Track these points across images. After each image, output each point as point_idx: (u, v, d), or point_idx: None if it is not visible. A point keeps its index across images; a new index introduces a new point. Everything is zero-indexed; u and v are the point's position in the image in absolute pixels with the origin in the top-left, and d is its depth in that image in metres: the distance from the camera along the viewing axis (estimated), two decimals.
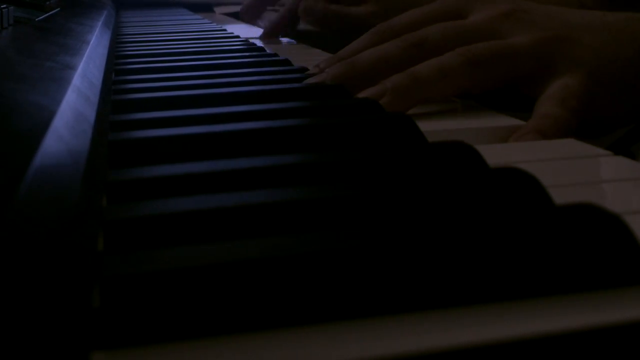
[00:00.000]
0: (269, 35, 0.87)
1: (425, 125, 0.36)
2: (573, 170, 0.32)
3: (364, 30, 0.53)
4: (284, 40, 0.88)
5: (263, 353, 0.17)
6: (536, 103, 0.42)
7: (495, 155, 0.31)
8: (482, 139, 0.39)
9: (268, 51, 0.68)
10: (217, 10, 1.50)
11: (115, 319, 0.17)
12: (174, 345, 0.17)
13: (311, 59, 0.60)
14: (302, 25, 0.90)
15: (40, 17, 0.65)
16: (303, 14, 0.83)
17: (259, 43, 0.79)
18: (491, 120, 0.42)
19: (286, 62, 0.59)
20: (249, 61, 0.60)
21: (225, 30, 0.92)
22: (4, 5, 0.52)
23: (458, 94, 0.44)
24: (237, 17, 1.38)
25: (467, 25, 0.47)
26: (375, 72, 0.45)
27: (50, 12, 0.71)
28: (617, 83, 0.43)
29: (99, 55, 0.58)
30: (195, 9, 1.46)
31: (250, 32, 0.95)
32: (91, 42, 0.58)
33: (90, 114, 0.36)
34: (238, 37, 0.84)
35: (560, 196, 0.25)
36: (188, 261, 0.19)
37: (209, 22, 1.08)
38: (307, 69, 0.54)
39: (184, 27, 0.99)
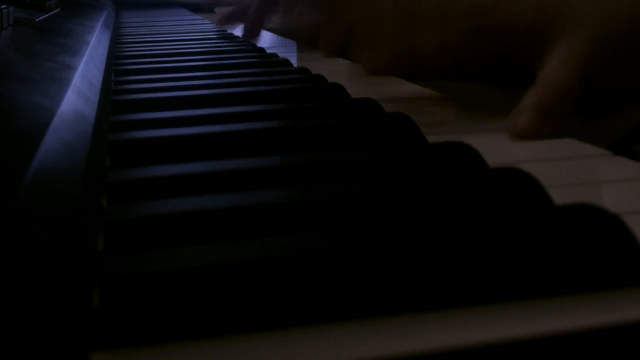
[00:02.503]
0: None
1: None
2: (573, 170, 0.32)
3: None
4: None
5: (263, 353, 0.17)
6: (539, 70, 0.37)
7: (495, 154, 0.31)
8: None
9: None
10: (218, 10, 1.50)
11: (115, 319, 0.17)
12: (173, 345, 0.17)
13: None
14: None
15: (40, 18, 0.65)
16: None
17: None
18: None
19: (286, 62, 0.59)
20: (249, 62, 0.60)
21: (225, 30, 0.92)
22: (4, 6, 0.52)
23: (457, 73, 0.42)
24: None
25: None
26: None
27: (50, 13, 0.71)
28: (627, 45, 0.37)
29: (99, 55, 0.58)
30: (196, 9, 1.46)
31: None
32: (91, 43, 0.58)
33: (90, 114, 0.36)
34: (238, 37, 0.84)
35: (560, 196, 0.25)
36: (188, 262, 0.19)
37: (209, 22, 1.08)
38: (309, 70, 0.54)
39: (184, 27, 0.99)
